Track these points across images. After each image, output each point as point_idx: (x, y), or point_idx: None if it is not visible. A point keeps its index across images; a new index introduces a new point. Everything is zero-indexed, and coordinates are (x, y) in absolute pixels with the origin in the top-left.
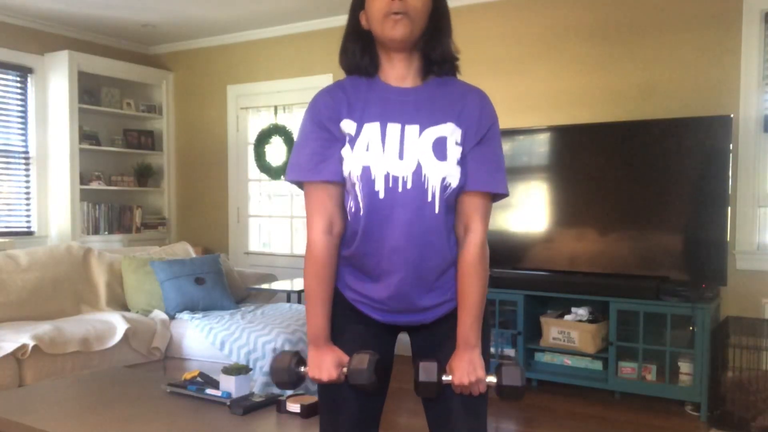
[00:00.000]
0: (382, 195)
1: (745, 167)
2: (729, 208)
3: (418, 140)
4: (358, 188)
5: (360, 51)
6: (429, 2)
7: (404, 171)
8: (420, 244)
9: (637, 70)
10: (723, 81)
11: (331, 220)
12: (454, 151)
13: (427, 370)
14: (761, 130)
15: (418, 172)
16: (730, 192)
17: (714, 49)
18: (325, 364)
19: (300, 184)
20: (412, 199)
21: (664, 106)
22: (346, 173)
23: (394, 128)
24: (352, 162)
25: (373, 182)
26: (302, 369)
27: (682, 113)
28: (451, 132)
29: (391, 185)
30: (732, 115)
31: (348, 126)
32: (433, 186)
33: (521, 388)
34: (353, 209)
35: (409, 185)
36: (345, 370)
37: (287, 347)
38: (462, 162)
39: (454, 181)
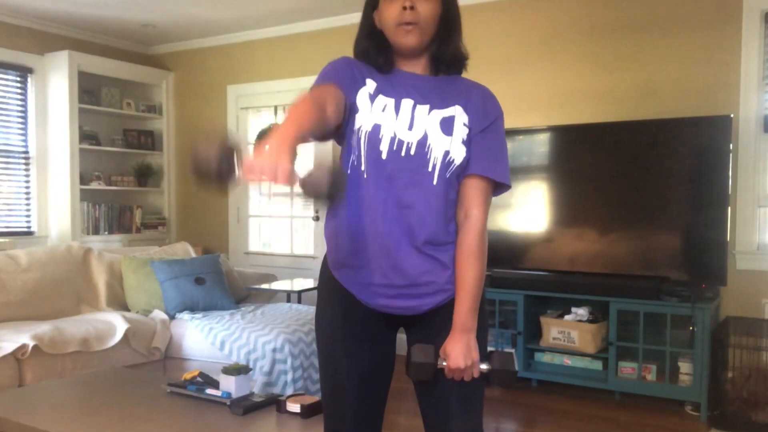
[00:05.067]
0: (384, 156)
1: (745, 167)
2: (729, 208)
3: (427, 117)
4: (363, 143)
5: (375, 51)
6: (439, 8)
7: (411, 138)
8: (410, 207)
9: (637, 70)
10: (723, 81)
11: (324, 98)
12: (461, 130)
13: (423, 351)
14: (761, 130)
15: (423, 142)
16: (730, 192)
17: (714, 49)
18: (282, 160)
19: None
20: (413, 165)
21: (664, 106)
22: (357, 126)
23: (407, 103)
24: (366, 117)
25: (379, 141)
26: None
27: (682, 113)
28: (459, 114)
29: (395, 148)
30: (732, 115)
31: (371, 84)
32: (435, 157)
33: (513, 373)
34: (354, 162)
35: (412, 152)
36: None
37: (287, 347)
38: (468, 144)
39: (457, 158)
